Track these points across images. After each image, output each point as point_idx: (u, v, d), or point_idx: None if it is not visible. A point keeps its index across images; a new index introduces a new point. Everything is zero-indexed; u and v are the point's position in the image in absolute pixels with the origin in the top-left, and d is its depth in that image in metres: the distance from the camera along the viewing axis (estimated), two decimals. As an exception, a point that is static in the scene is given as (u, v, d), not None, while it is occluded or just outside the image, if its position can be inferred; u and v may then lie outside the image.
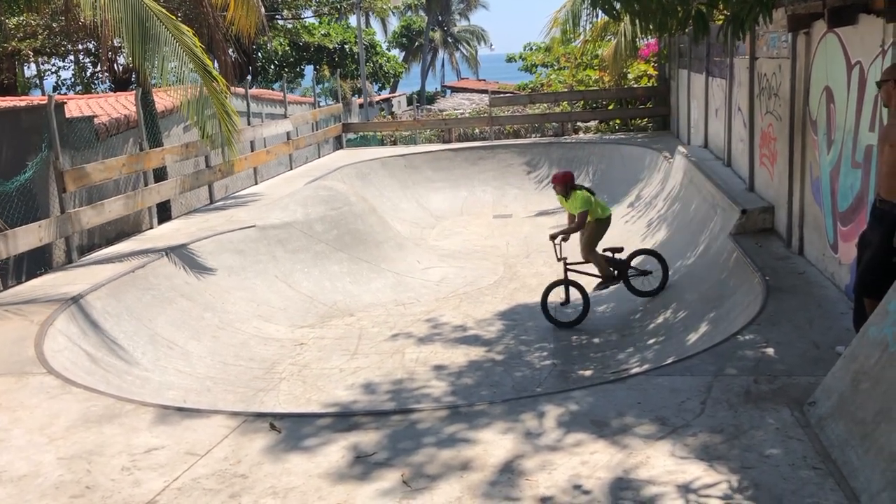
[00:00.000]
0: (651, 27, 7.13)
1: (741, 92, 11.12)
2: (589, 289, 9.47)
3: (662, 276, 9.52)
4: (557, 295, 9.48)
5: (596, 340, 8.69)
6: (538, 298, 9.42)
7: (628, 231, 13.28)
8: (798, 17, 7.69)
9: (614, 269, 9.52)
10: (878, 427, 4.04)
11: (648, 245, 11.79)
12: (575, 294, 9.33)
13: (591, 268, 9.53)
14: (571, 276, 9.35)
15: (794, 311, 6.67)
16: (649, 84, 20.28)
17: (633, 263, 9.60)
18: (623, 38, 17.37)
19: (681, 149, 14.13)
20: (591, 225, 9.30)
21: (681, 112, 17.22)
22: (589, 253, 9.41)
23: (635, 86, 20.48)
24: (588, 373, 7.75)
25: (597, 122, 20.72)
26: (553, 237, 9.30)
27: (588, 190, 9.35)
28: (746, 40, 10.05)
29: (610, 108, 20.45)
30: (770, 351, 5.85)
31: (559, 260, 9.28)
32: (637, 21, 7.04)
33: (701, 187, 11.41)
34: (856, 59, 6.68)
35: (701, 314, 8.04)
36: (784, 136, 8.79)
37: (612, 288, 9.71)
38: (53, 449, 4.95)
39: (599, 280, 9.57)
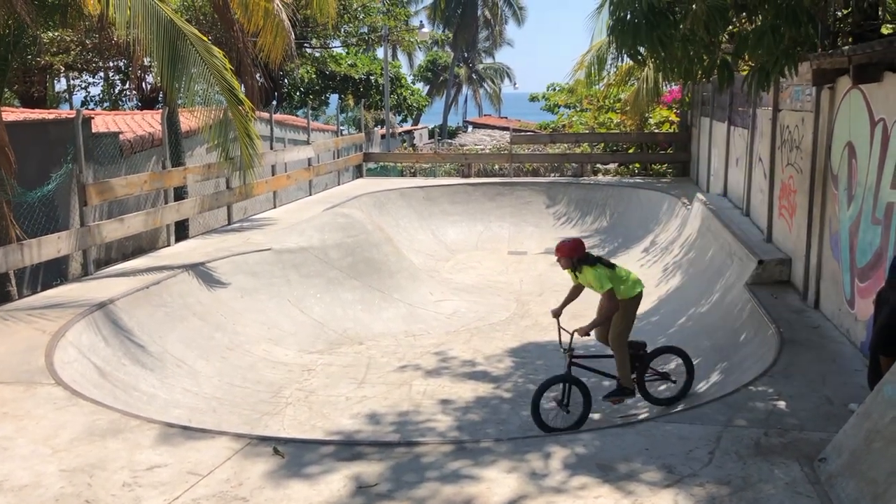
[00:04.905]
0: (676, 73, 7.18)
1: (763, 142, 11.12)
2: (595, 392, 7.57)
3: (686, 378, 7.51)
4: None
5: (606, 384, 8.60)
6: (549, 337, 9.34)
7: (643, 276, 13.17)
8: (823, 72, 7.72)
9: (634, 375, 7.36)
10: (889, 488, 3.96)
11: (663, 292, 11.73)
12: (576, 395, 7.16)
13: (600, 363, 7.48)
14: (576, 371, 7.25)
15: (807, 365, 6.59)
16: (671, 130, 20.34)
17: (652, 363, 7.51)
18: (645, 84, 17.47)
19: (699, 196, 14.12)
20: (620, 307, 7.05)
21: (701, 159, 17.24)
22: (620, 347, 7.19)
23: (656, 131, 20.56)
24: (596, 416, 7.66)
25: (616, 164, 20.79)
26: (556, 314, 7.20)
27: (604, 263, 7.19)
28: (770, 92, 10.08)
29: (630, 151, 20.52)
30: (782, 404, 5.78)
31: (564, 352, 7.16)
32: (663, 67, 7.09)
33: (718, 235, 11.38)
34: (879, 116, 6.68)
35: (713, 363, 7.96)
36: (804, 188, 8.77)
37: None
38: (56, 460, 4.94)
39: (616, 388, 7.37)
